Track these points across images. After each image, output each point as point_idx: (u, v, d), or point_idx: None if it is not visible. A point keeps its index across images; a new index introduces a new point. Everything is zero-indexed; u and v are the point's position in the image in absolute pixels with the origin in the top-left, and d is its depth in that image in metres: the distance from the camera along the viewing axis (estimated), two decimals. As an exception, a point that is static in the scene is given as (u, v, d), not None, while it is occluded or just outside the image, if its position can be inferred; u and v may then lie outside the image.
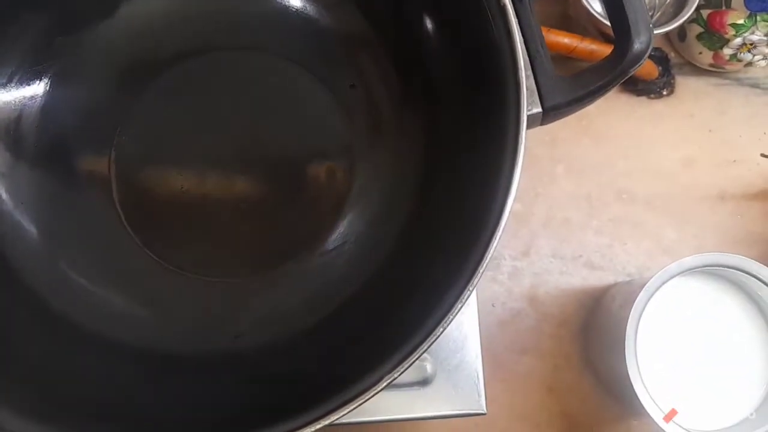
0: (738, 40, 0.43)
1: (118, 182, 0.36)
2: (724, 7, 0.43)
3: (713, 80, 0.48)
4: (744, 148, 0.47)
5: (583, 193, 0.46)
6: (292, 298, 0.36)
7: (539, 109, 0.29)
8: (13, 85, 0.35)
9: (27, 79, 0.35)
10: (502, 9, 0.28)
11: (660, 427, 0.35)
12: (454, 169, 0.33)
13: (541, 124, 0.30)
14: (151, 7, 0.37)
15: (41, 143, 0.35)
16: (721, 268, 0.37)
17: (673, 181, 0.46)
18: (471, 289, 0.25)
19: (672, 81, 0.48)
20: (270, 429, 0.26)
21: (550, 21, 0.47)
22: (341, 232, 0.36)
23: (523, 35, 0.29)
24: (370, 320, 0.33)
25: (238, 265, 0.36)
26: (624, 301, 0.39)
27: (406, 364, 0.25)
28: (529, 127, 0.28)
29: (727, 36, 0.43)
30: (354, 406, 0.24)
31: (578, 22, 0.46)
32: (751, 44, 0.43)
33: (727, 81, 0.48)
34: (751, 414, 0.37)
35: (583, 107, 0.29)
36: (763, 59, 0.45)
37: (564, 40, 0.44)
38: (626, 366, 0.35)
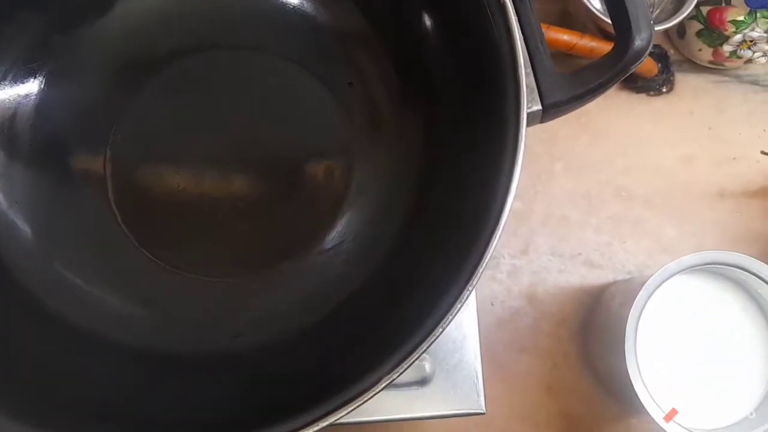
0: (738, 37, 0.43)
1: (113, 181, 0.36)
2: (723, 4, 0.43)
3: (713, 77, 0.48)
4: (744, 146, 0.47)
5: (582, 191, 0.46)
6: (290, 297, 0.35)
7: (539, 107, 0.28)
8: (7, 83, 0.35)
9: (21, 77, 0.35)
10: (502, 6, 0.28)
11: (660, 427, 0.35)
12: (453, 169, 0.32)
13: (541, 122, 0.30)
14: (146, 5, 0.37)
15: (36, 142, 0.35)
16: (721, 266, 0.37)
17: (672, 179, 0.46)
18: (471, 288, 0.25)
19: (671, 78, 0.47)
20: (269, 429, 0.25)
21: (549, 18, 0.47)
22: (339, 231, 0.36)
23: (523, 32, 0.28)
24: (369, 320, 0.32)
25: (236, 264, 0.36)
26: (624, 299, 0.38)
27: (405, 365, 0.25)
28: (528, 124, 0.27)
29: (726, 33, 0.43)
30: (354, 406, 0.24)
31: (577, 18, 0.46)
32: (751, 41, 0.43)
33: (726, 78, 0.48)
34: (751, 413, 0.37)
35: (583, 104, 0.29)
36: (763, 56, 0.44)
37: (563, 37, 0.43)
38: (626, 365, 0.35)
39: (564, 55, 0.45)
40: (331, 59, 0.37)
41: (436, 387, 0.36)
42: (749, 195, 0.46)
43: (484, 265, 0.25)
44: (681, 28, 0.46)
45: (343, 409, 0.24)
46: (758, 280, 0.36)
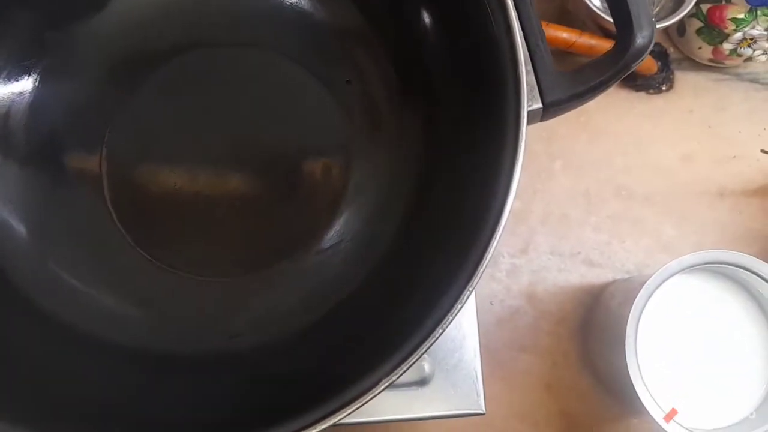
0: (738, 35, 0.43)
1: (109, 180, 0.36)
2: (724, 2, 0.43)
3: (713, 75, 0.48)
4: (744, 144, 0.47)
5: (582, 190, 0.46)
6: (289, 297, 0.35)
7: (539, 105, 0.28)
8: (0, 80, 0.34)
9: (15, 74, 0.34)
10: (502, 3, 0.28)
11: (660, 426, 0.35)
12: (453, 168, 0.32)
13: (541, 120, 0.29)
14: (141, 1, 0.36)
15: (30, 140, 0.35)
16: (721, 265, 0.36)
17: (672, 178, 0.46)
18: (471, 289, 0.25)
19: (671, 76, 0.47)
20: (269, 430, 0.25)
21: (548, 15, 0.47)
22: (338, 230, 0.36)
23: (523, 30, 0.28)
24: (368, 320, 0.32)
25: (233, 264, 0.36)
26: (624, 298, 0.38)
27: (405, 366, 0.24)
28: (529, 123, 0.27)
29: (727, 31, 0.43)
30: (354, 408, 0.24)
31: (577, 16, 0.46)
32: (752, 39, 0.43)
33: (726, 76, 0.48)
34: (751, 414, 0.37)
35: (584, 103, 0.29)
36: (763, 54, 0.44)
37: (563, 34, 0.43)
38: (626, 364, 0.35)
39: (563, 52, 0.45)
40: (329, 57, 0.37)
41: (436, 387, 0.36)
42: (749, 194, 0.46)
43: (484, 265, 0.25)
44: (681, 26, 0.46)
45: (343, 410, 0.24)
46: (759, 279, 0.36)
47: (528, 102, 0.27)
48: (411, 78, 0.36)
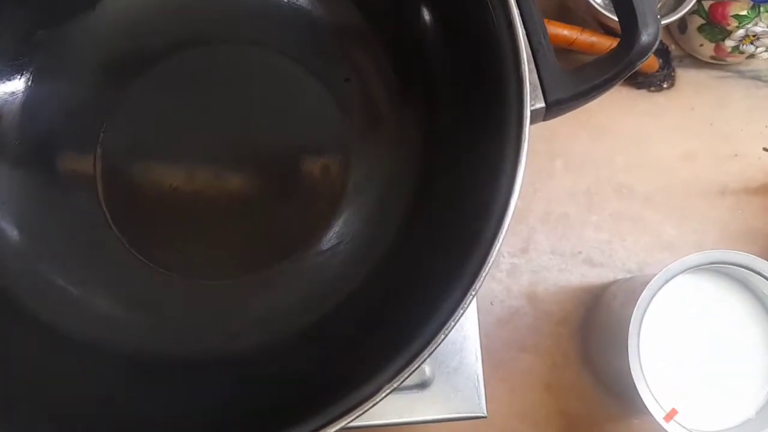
0: (740, 32, 0.42)
1: (104, 181, 0.35)
2: (726, -2, 0.42)
3: (714, 73, 0.47)
4: (745, 142, 0.46)
5: (582, 189, 0.45)
6: (288, 297, 0.35)
7: (542, 104, 0.28)
8: (-9, 80, 0.34)
9: (6, 73, 0.34)
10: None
11: (662, 427, 0.34)
12: (454, 169, 0.32)
13: (544, 120, 0.29)
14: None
15: (23, 140, 0.34)
16: (725, 265, 0.36)
17: (673, 176, 0.46)
18: (473, 293, 0.24)
19: (672, 74, 0.47)
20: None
21: (547, 13, 0.46)
22: (337, 230, 0.35)
23: (525, 26, 0.28)
24: (368, 321, 0.32)
25: (231, 265, 0.35)
26: (626, 299, 0.38)
27: (407, 372, 0.24)
28: (531, 122, 0.27)
29: (729, 28, 0.42)
30: (355, 415, 0.24)
31: (577, 13, 0.45)
32: (754, 36, 0.42)
33: (728, 74, 0.47)
34: (754, 415, 0.37)
35: (588, 101, 0.28)
36: (765, 51, 0.44)
37: (563, 31, 0.43)
38: (629, 364, 0.35)
39: (563, 50, 0.44)
40: (328, 55, 0.37)
41: (437, 390, 0.35)
42: (750, 192, 0.46)
43: (487, 269, 0.24)
44: (682, 23, 0.46)
45: (344, 418, 0.24)
46: (763, 279, 0.36)
47: (531, 101, 0.26)
48: (410, 77, 0.35)
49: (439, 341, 0.24)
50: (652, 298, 0.36)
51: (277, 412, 0.27)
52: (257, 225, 0.36)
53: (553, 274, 0.44)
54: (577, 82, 0.28)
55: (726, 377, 0.37)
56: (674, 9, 0.43)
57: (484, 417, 0.35)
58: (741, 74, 0.47)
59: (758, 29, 0.42)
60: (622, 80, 0.45)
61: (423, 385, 0.35)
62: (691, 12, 0.43)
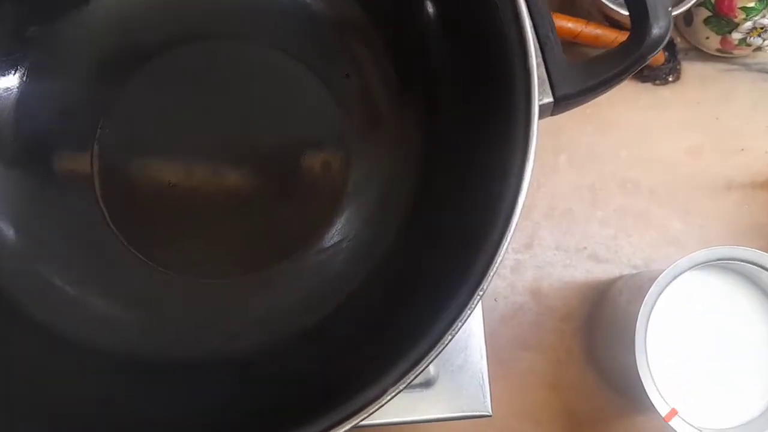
0: (748, 24, 0.42)
1: (101, 178, 0.34)
2: (733, -10, 0.41)
3: (720, 66, 0.47)
4: (751, 136, 0.46)
5: (587, 184, 0.45)
6: (289, 297, 0.34)
7: (550, 99, 0.27)
8: (-16, 77, 0.33)
9: (0, 70, 0.33)
10: (510, -9, 0.26)
11: (665, 424, 0.34)
12: (457, 169, 0.31)
13: (552, 115, 0.28)
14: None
15: (18, 138, 0.33)
16: (733, 261, 0.36)
17: (678, 171, 0.45)
18: (480, 294, 0.24)
19: (678, 67, 0.46)
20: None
21: (552, 5, 0.46)
22: (338, 229, 0.35)
23: (532, 19, 0.27)
24: (369, 321, 0.32)
25: (231, 264, 0.35)
26: (632, 295, 0.38)
27: (413, 374, 0.24)
28: (539, 118, 0.26)
29: (736, 20, 0.42)
30: (359, 419, 0.23)
31: (582, 6, 0.45)
32: (762, 28, 0.42)
33: (734, 67, 0.47)
34: (761, 413, 0.36)
35: (597, 96, 0.27)
36: (773, 44, 0.43)
37: (568, 24, 0.42)
38: (635, 361, 0.35)
39: (568, 43, 0.44)
40: (327, 50, 0.36)
41: (441, 388, 0.35)
42: (756, 187, 0.45)
43: (494, 268, 0.24)
44: (688, 16, 0.45)
45: (348, 421, 0.23)
46: (771, 275, 0.36)
47: (539, 96, 0.26)
48: (412, 74, 0.35)
49: (446, 342, 0.23)
50: (660, 294, 0.35)
51: (277, 412, 0.27)
52: (257, 223, 0.35)
53: (558, 270, 0.44)
54: (586, 77, 0.27)
55: (733, 374, 0.37)
56: (680, 1, 0.42)
57: (489, 416, 0.35)
58: (747, 67, 0.47)
59: (766, 21, 0.41)
60: (629, 74, 0.46)
61: (427, 384, 0.35)
62: (698, 4, 0.43)
